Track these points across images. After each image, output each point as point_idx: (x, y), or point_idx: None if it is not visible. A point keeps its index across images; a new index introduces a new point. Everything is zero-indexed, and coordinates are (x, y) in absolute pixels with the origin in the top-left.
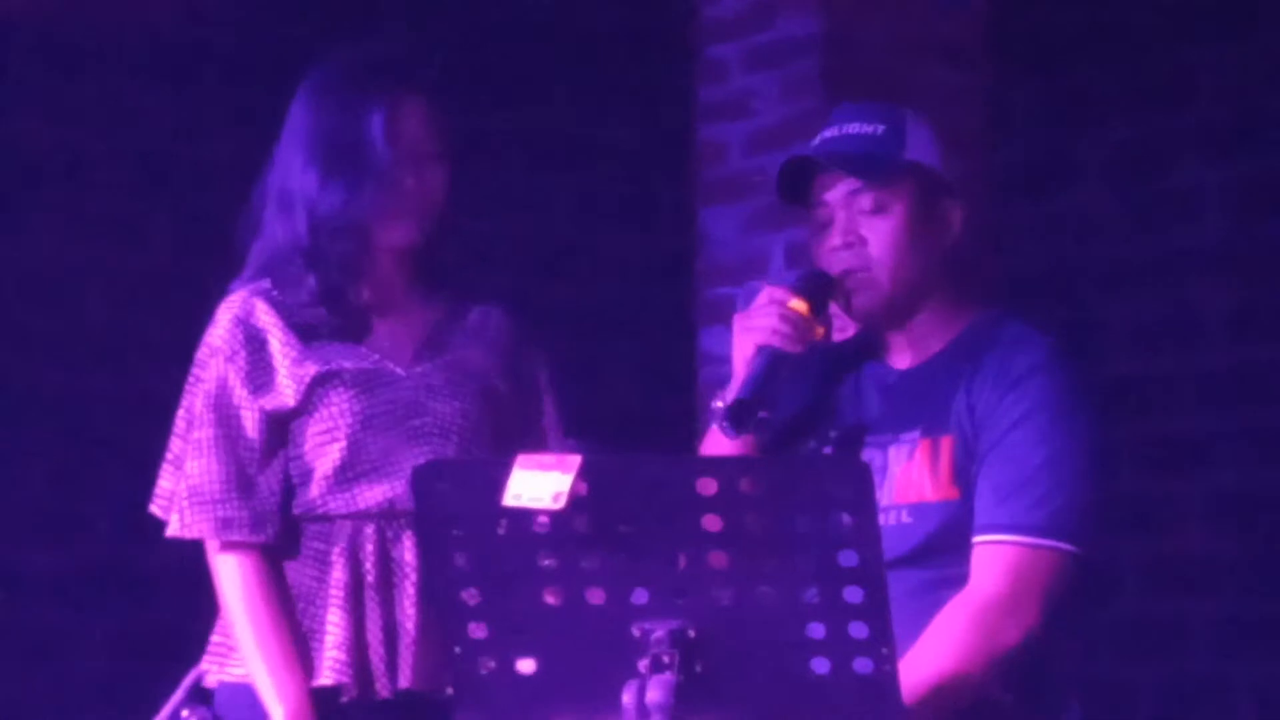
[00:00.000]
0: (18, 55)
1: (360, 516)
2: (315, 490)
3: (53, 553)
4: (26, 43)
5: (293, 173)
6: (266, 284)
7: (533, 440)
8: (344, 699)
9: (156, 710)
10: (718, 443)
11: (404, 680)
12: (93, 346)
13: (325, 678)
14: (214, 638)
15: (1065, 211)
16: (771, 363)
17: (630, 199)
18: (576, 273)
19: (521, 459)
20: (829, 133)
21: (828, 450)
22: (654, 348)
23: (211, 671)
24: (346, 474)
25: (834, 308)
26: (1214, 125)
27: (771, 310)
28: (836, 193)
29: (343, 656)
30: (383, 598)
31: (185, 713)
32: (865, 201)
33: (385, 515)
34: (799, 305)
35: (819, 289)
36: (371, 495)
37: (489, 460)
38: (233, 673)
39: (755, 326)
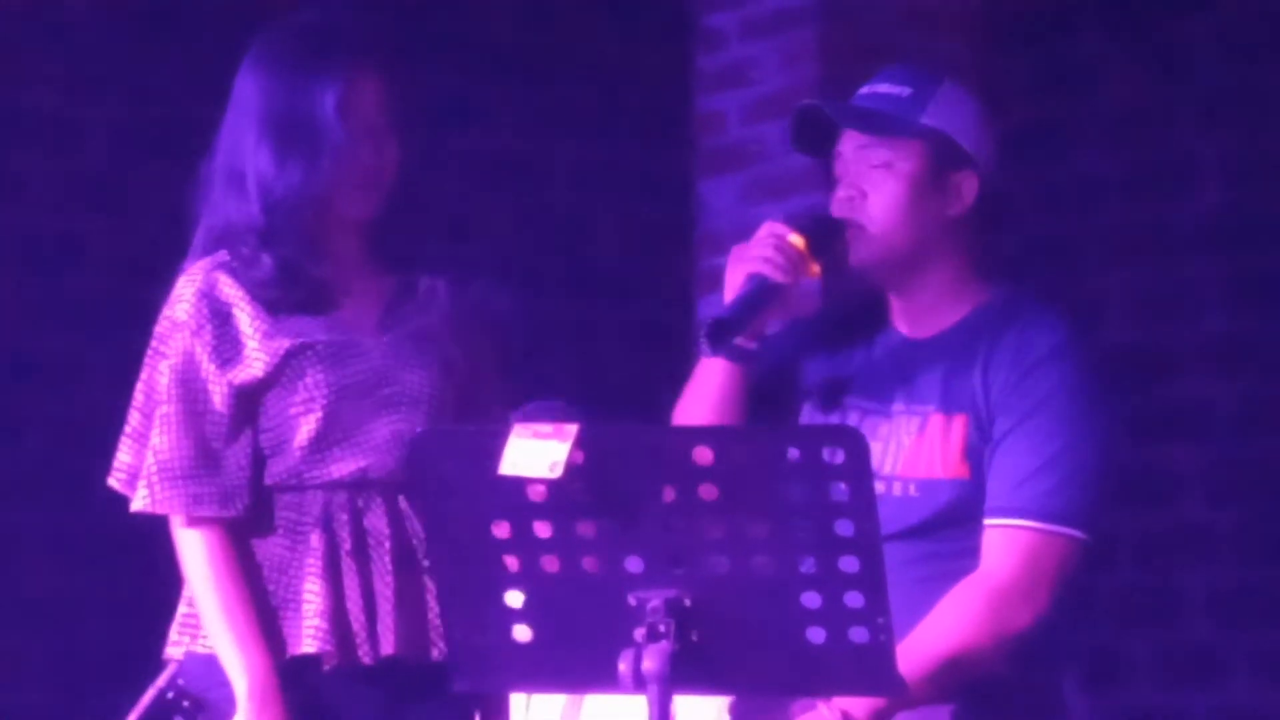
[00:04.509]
0: (14, 24)
1: (333, 486)
2: (289, 460)
3: (50, 518)
4: (23, 12)
5: (243, 150)
6: (224, 255)
7: (486, 414)
8: (326, 667)
9: (154, 675)
10: (701, 368)
11: (386, 647)
12: (90, 313)
13: (307, 646)
14: (183, 609)
15: (1062, 181)
16: (758, 290)
17: (628, 168)
18: (574, 241)
19: (518, 428)
20: (862, 90)
21: (836, 415)
22: (652, 317)
23: (182, 643)
24: (321, 444)
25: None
26: (1211, 94)
27: (767, 241)
28: (849, 145)
29: (324, 625)
30: (360, 566)
31: (171, 695)
32: (876, 156)
33: (357, 484)
34: (796, 240)
35: (820, 229)
36: (344, 464)
37: (486, 428)
38: (205, 644)
39: (749, 256)
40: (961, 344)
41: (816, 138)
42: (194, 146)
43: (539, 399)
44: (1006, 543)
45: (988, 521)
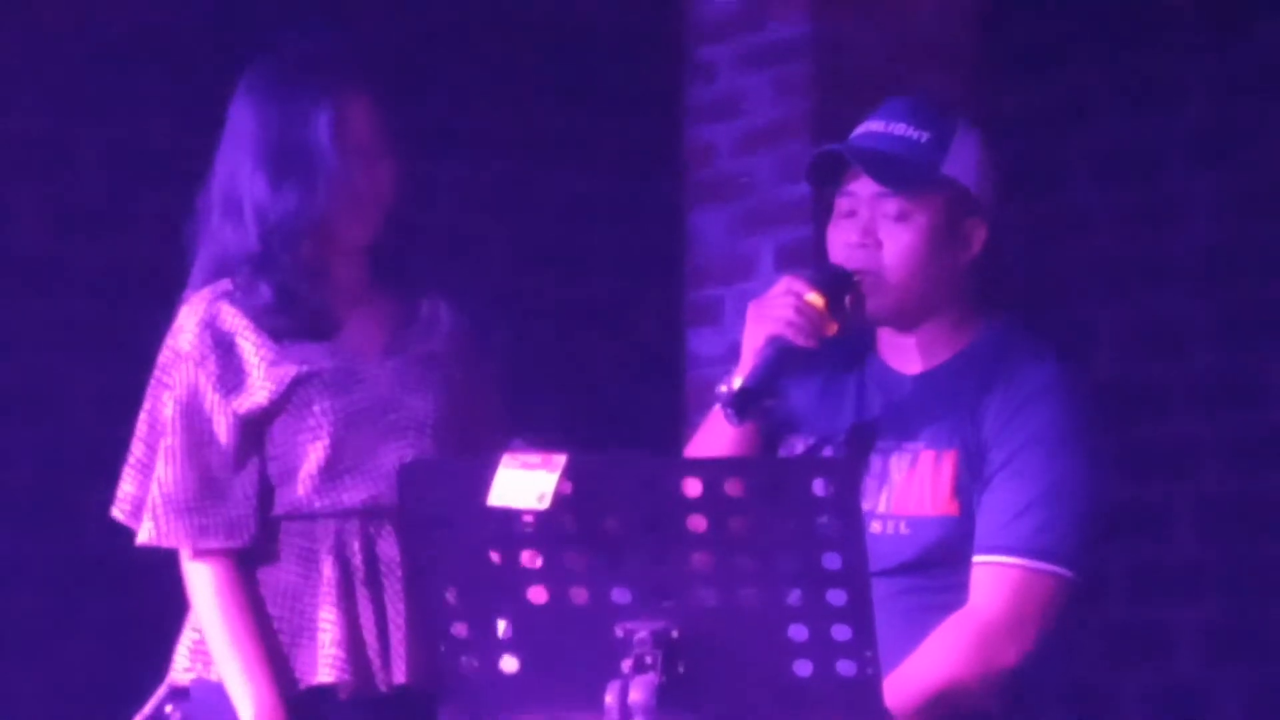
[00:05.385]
0: (2, 48)
1: (345, 514)
2: (299, 490)
3: (41, 545)
4: (14, 31)
5: (239, 177)
6: (227, 284)
7: (489, 435)
8: (342, 696)
9: (145, 702)
10: (717, 424)
11: (398, 675)
12: (80, 338)
13: (325, 675)
14: (193, 635)
15: (1054, 214)
16: (781, 355)
17: (619, 199)
18: (565, 272)
19: (506, 458)
20: (875, 125)
21: (828, 450)
22: (641, 348)
23: (194, 670)
24: (330, 472)
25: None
26: (1203, 128)
27: (788, 301)
28: (864, 188)
29: (341, 654)
30: (372, 594)
31: (169, 709)
32: (890, 206)
33: (369, 512)
34: (815, 299)
35: (836, 285)
36: (355, 493)
37: (474, 459)
38: (218, 673)
39: (769, 316)
40: (954, 380)
41: (826, 168)
42: (183, 171)
43: (526, 435)
44: (994, 580)
45: (976, 558)
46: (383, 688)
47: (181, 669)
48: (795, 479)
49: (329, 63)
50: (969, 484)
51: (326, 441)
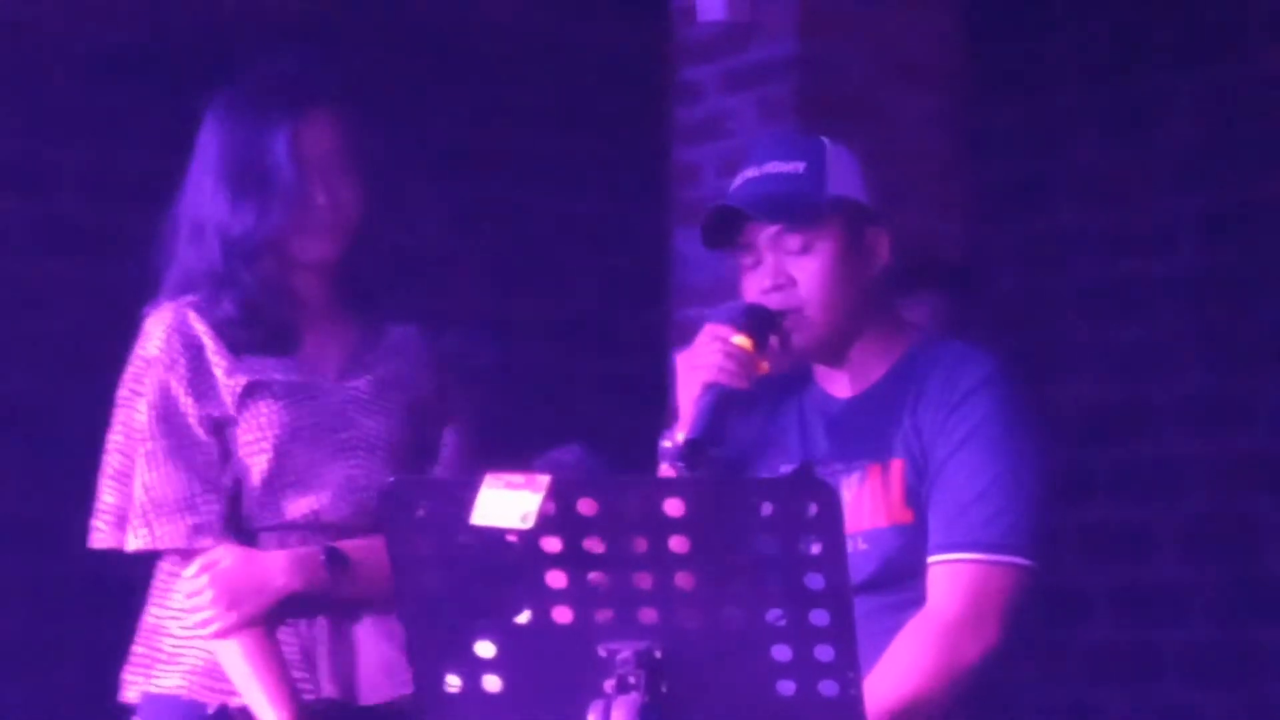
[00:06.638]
0: None
1: (286, 528)
2: (246, 501)
3: (29, 562)
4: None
5: (203, 198)
6: (193, 298)
7: (451, 462)
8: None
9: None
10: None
11: (326, 689)
12: (67, 355)
13: None
14: (136, 649)
15: (1040, 235)
16: (720, 400)
17: (605, 219)
18: (551, 291)
19: (489, 478)
20: (750, 172)
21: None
22: (627, 367)
23: (136, 684)
24: (273, 485)
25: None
26: (1188, 151)
27: (716, 347)
28: (763, 234)
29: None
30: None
31: None
32: (792, 242)
33: (310, 527)
34: (742, 341)
35: (760, 324)
36: (297, 507)
37: (459, 479)
38: (159, 684)
39: (700, 364)
40: (889, 392)
41: (722, 227)
42: (165, 190)
43: (559, 447)
44: (951, 578)
45: (931, 559)
46: (309, 697)
47: (127, 683)
48: (778, 499)
49: (291, 82)
50: (918, 488)
51: (270, 455)
